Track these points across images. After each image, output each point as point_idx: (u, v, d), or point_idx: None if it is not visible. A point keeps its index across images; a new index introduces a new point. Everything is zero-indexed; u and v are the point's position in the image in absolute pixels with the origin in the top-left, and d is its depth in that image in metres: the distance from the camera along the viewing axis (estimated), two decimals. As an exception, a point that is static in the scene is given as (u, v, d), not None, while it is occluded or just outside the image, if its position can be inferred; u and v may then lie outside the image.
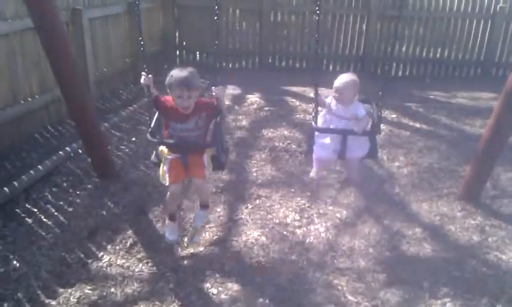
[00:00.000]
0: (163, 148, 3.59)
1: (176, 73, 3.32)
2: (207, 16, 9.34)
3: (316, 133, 4.09)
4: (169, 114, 3.46)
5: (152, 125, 3.58)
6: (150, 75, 3.40)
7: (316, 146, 4.14)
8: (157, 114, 3.61)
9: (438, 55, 9.91)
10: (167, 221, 3.75)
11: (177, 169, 3.46)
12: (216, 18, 3.49)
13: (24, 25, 5.26)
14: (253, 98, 7.68)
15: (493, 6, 9.37)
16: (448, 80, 9.77)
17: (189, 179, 3.70)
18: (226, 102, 7.51)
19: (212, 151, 3.63)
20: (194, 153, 3.51)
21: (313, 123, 3.97)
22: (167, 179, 3.47)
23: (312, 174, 4.60)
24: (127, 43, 8.18)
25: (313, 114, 3.99)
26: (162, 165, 3.56)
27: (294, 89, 8.27)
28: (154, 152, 3.73)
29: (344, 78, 4.04)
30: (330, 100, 4.12)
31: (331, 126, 4.24)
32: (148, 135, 3.52)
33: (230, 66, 9.99)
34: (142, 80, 3.40)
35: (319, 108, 4.10)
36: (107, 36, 7.54)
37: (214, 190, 4.77)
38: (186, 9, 9.67)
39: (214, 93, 3.43)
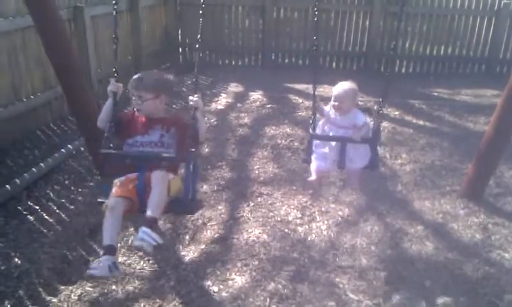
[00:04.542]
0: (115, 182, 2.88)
1: (142, 74, 3.08)
2: (210, 13, 9.34)
3: (314, 141, 3.73)
4: (131, 126, 3.00)
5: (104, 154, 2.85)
6: (120, 83, 3.00)
7: (315, 156, 3.76)
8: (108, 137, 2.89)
9: (441, 52, 9.86)
10: (101, 255, 2.72)
11: (128, 186, 2.81)
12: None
13: (25, 22, 5.25)
14: (256, 96, 7.67)
15: (497, 3, 9.32)
16: (452, 77, 9.71)
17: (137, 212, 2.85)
18: (229, 100, 7.53)
19: (178, 184, 2.93)
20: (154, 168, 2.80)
21: (310, 130, 3.63)
22: (111, 195, 2.78)
23: (311, 178, 3.95)
24: (129, 40, 8.17)
25: (311, 121, 3.68)
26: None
27: (297, 86, 8.24)
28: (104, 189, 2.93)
29: (343, 86, 3.70)
30: (329, 108, 3.78)
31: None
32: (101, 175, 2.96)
33: (233, 63, 9.97)
34: (109, 87, 2.97)
35: (318, 116, 3.82)
36: (109, 34, 7.53)
37: (216, 188, 4.76)
38: (189, 6, 9.64)
39: (191, 102, 2.95)
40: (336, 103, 3.65)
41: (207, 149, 5.62)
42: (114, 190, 2.79)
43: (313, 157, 3.73)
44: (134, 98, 2.96)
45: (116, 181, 2.86)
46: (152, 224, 2.61)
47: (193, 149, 2.88)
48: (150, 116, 2.99)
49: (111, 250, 2.63)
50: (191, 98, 2.93)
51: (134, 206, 2.80)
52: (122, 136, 2.98)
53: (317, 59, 3.45)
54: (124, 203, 2.74)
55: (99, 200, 2.89)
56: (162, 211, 2.79)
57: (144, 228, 2.56)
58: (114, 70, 3.08)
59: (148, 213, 2.64)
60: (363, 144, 3.57)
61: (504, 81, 4.44)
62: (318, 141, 3.75)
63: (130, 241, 3.88)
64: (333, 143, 3.67)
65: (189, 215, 4.25)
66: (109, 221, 2.68)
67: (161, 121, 2.98)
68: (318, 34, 3.62)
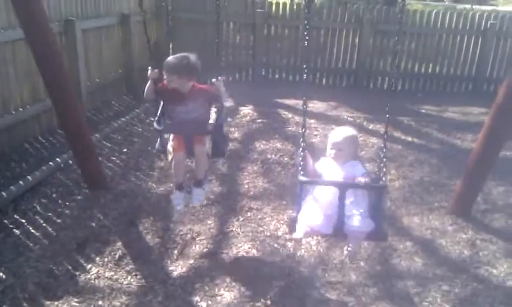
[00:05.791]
0: (169, 140, 3.84)
1: (169, 58, 3.68)
2: (201, 29, 9.40)
3: (304, 191, 3.02)
4: (170, 98, 3.74)
5: (158, 114, 3.79)
6: (155, 70, 3.68)
7: (304, 209, 3.00)
8: (161, 104, 3.82)
9: (430, 70, 9.99)
10: (174, 191, 3.88)
11: (180, 143, 3.75)
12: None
13: (16, 35, 5.24)
14: (246, 110, 7.69)
15: (483, 23, 9.49)
16: (440, 94, 9.84)
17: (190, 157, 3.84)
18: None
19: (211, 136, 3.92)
20: (195, 134, 3.79)
21: (299, 176, 2.93)
22: (171, 153, 3.76)
23: (297, 234, 3.02)
24: (119, 54, 8.18)
25: (300, 167, 2.98)
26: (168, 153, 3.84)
27: (287, 101, 8.29)
28: (158, 140, 3.87)
29: (343, 132, 3.11)
30: (321, 162, 3.15)
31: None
32: (155, 124, 3.73)
33: (224, 78, 9.97)
34: (149, 74, 3.67)
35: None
36: (100, 47, 7.54)
37: (205, 202, 4.73)
38: (180, 21, 9.67)
39: (213, 80, 3.79)
40: (333, 151, 3.06)
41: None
42: (172, 149, 3.68)
43: (301, 210, 3.01)
44: (168, 79, 3.62)
45: (171, 142, 3.72)
46: (201, 184, 3.78)
47: (218, 106, 3.81)
48: (180, 89, 3.65)
49: (180, 187, 3.76)
50: (214, 80, 3.78)
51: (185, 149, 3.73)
52: (167, 102, 3.77)
53: (306, 84, 3.06)
54: (182, 155, 3.69)
55: (158, 148, 3.85)
56: (205, 171, 3.89)
57: (196, 189, 3.76)
58: (151, 63, 3.75)
59: (197, 177, 3.77)
60: (364, 200, 2.98)
61: (491, 99, 4.51)
62: (308, 191, 3.07)
63: (117, 256, 3.84)
64: (326, 199, 2.95)
65: (177, 230, 4.26)
66: (176, 169, 3.74)
67: (191, 93, 3.70)
68: (308, 51, 3.63)
